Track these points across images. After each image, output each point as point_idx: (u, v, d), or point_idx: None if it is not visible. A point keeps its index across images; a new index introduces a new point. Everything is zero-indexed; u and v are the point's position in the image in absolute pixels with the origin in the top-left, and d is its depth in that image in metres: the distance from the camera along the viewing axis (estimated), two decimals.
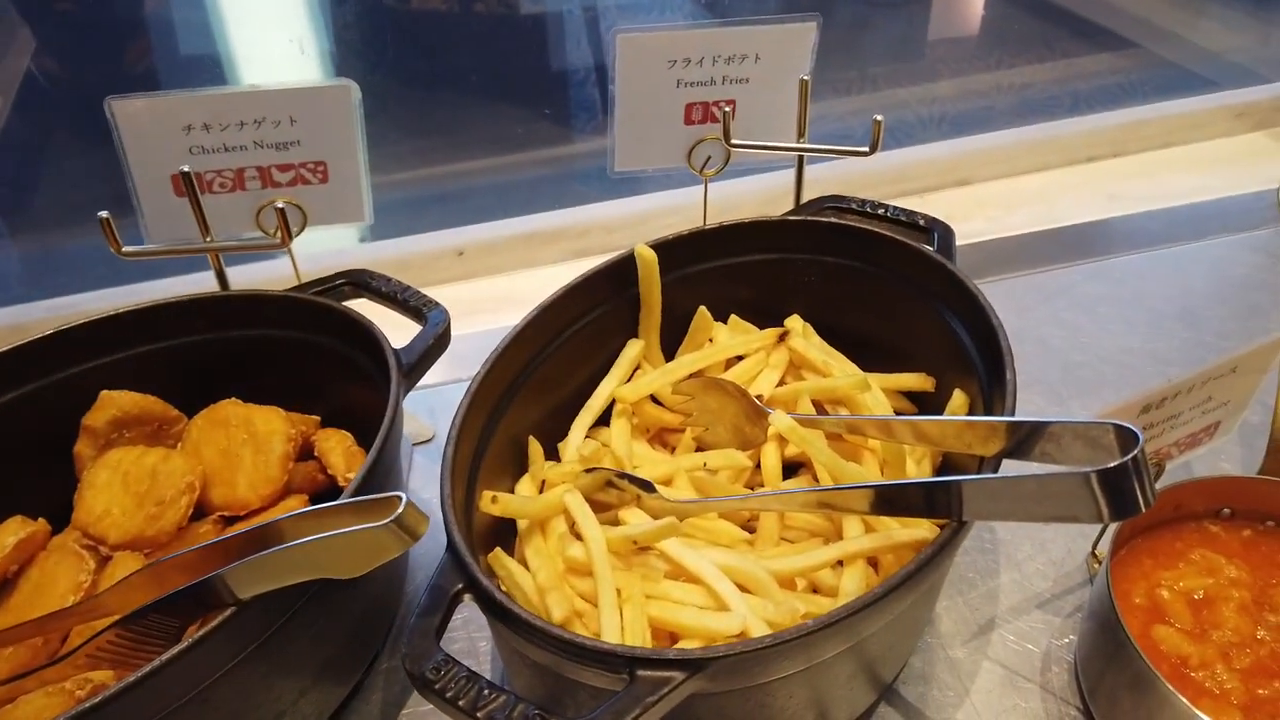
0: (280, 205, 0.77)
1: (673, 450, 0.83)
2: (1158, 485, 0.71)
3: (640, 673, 0.49)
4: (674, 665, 0.49)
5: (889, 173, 1.31)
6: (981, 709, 0.69)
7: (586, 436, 0.80)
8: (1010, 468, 0.58)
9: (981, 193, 1.31)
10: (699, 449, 0.80)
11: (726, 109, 0.90)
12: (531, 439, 0.75)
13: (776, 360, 0.85)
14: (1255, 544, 0.72)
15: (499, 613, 0.52)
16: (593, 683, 0.52)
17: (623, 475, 0.69)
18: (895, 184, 1.31)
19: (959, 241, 1.19)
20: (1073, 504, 0.52)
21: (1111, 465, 0.50)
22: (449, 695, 0.48)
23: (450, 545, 0.56)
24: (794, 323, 0.87)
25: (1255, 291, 1.09)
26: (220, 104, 0.82)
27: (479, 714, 0.47)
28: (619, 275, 0.81)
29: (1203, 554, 0.71)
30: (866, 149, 0.88)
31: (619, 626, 0.61)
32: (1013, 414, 0.64)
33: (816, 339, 0.86)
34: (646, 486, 0.68)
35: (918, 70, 1.67)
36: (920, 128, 1.52)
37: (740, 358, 0.85)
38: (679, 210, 1.21)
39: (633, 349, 0.84)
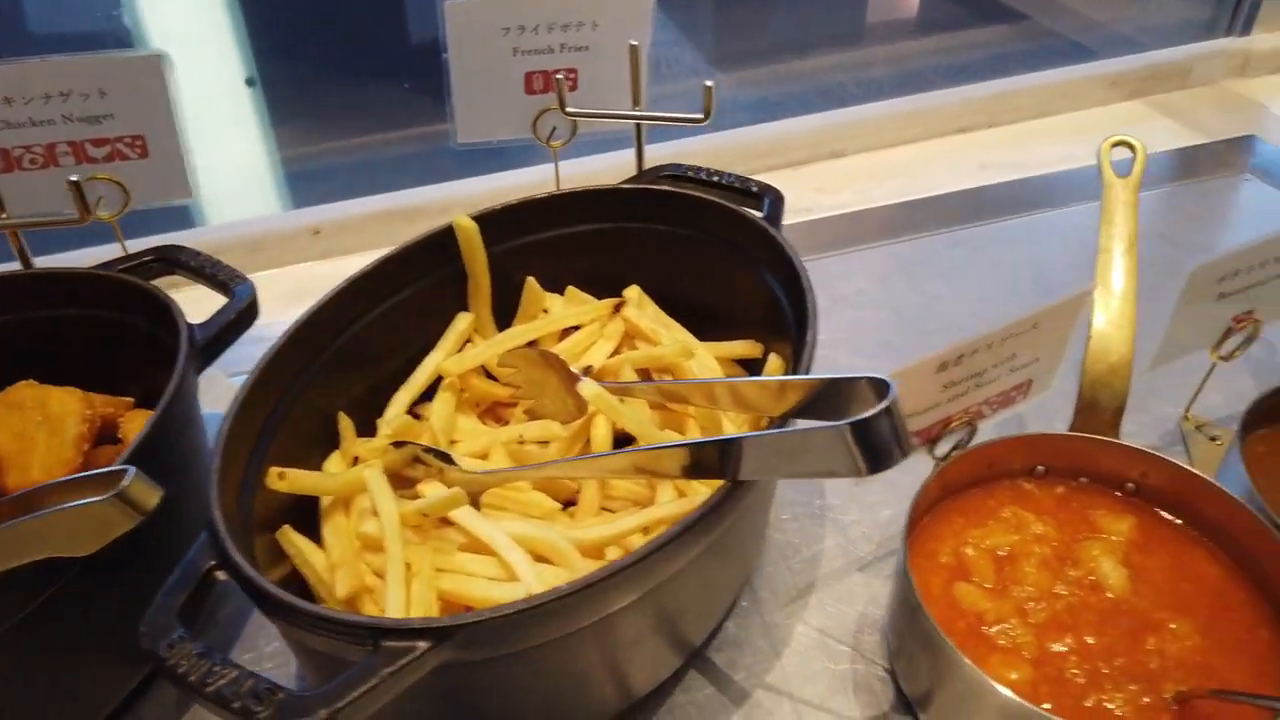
0: (75, 179, 0.74)
1: (506, 424, 0.82)
2: (971, 444, 0.72)
3: (384, 643, 0.48)
4: (417, 635, 0.48)
5: (761, 145, 1.30)
6: (791, 672, 0.69)
7: (416, 413, 0.79)
8: None
9: (853, 164, 1.31)
10: (532, 421, 0.79)
11: (559, 76, 0.88)
12: (342, 415, 0.73)
13: (611, 331, 0.84)
14: (1067, 500, 0.73)
15: (247, 589, 0.51)
16: (352, 658, 0.51)
17: (428, 450, 0.68)
18: (766, 157, 1.30)
19: (830, 213, 1.20)
20: (831, 458, 0.52)
21: (862, 416, 0.50)
22: (179, 671, 0.46)
23: (209, 522, 0.54)
24: (631, 293, 0.86)
25: None
26: (22, 75, 0.79)
27: (207, 689, 0.46)
28: (443, 247, 0.80)
29: (1014, 511, 0.72)
30: (701, 115, 0.87)
31: (404, 601, 0.60)
32: (807, 373, 0.64)
33: (652, 309, 0.86)
34: (447, 459, 0.67)
35: (805, 43, 1.67)
36: (806, 99, 1.52)
37: (577, 328, 0.85)
38: (544, 185, 1.19)
39: (461, 322, 0.83)
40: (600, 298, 0.86)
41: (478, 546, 0.64)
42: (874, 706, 0.67)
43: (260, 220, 1.13)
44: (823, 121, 1.32)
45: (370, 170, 1.33)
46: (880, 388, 0.53)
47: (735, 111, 1.47)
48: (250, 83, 1.59)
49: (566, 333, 0.85)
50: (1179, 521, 0.70)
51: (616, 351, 0.84)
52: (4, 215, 0.78)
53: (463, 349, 0.82)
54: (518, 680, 0.57)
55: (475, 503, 0.67)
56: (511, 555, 0.62)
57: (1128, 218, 0.76)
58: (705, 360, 0.80)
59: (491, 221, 0.81)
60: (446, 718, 0.60)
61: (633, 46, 0.86)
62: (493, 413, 0.84)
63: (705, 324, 0.85)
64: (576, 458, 0.71)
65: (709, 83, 0.85)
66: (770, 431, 0.54)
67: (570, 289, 0.87)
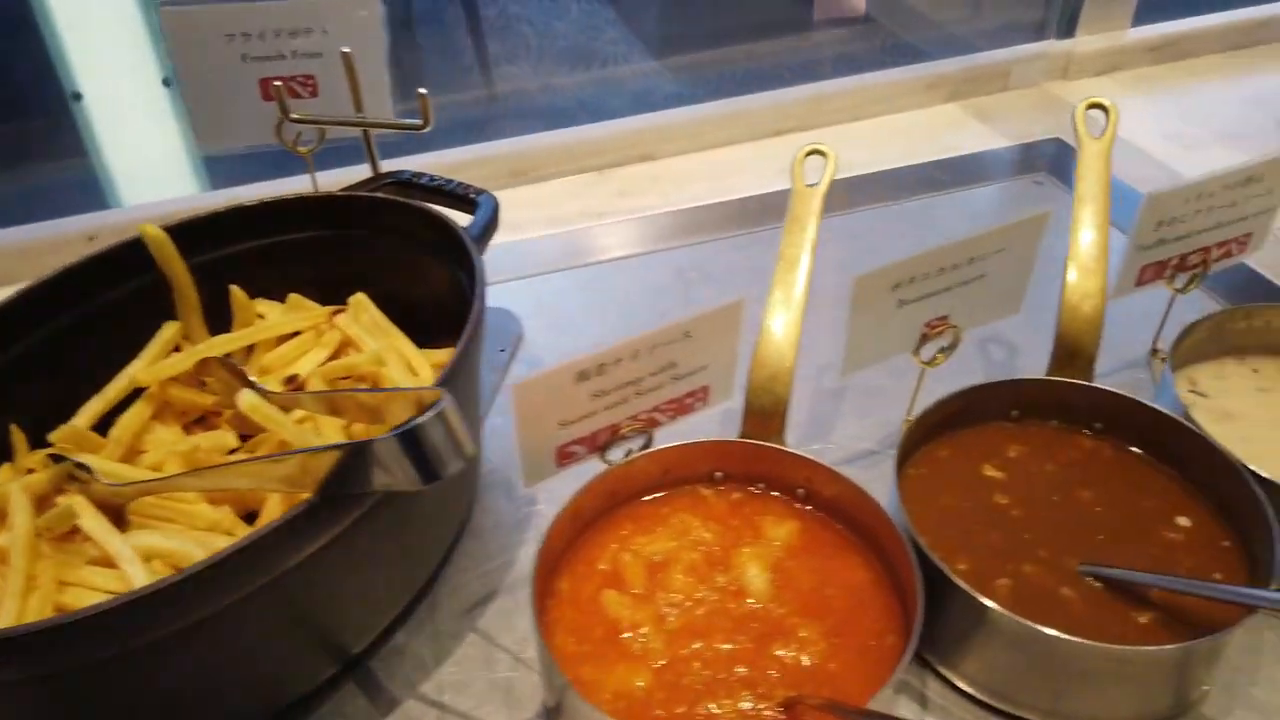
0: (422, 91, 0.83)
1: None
2: (648, 450, 0.72)
3: None
4: None
5: (576, 148, 1.31)
6: (447, 682, 0.69)
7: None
8: None
9: (661, 168, 1.31)
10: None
11: (277, 84, 0.88)
12: (13, 427, 0.73)
13: (328, 340, 0.84)
14: (740, 506, 0.74)
15: None
16: None
17: (76, 463, 0.68)
18: (578, 160, 1.30)
19: (636, 215, 1.20)
20: (391, 469, 0.52)
21: (407, 426, 0.51)
22: None
23: None
24: (355, 299, 0.86)
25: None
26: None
27: None
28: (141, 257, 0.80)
29: (682, 518, 0.73)
30: (420, 123, 0.87)
31: (18, 612, 0.60)
32: (451, 380, 0.64)
33: (370, 316, 0.85)
34: (86, 470, 0.67)
35: (649, 45, 1.67)
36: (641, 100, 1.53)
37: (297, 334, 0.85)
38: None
39: (167, 331, 0.82)
40: (329, 304, 0.87)
41: (108, 559, 0.64)
42: (521, 714, 0.67)
43: (30, 228, 1.12)
44: (634, 124, 1.33)
45: None
46: (431, 400, 0.53)
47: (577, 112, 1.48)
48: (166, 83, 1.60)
49: (283, 340, 0.85)
50: (840, 528, 0.72)
51: (335, 357, 0.84)
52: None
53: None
54: (138, 684, 0.58)
55: (123, 514, 0.67)
56: (131, 567, 0.62)
57: (813, 225, 0.77)
58: (419, 367, 0.81)
59: (197, 229, 0.81)
60: None
61: (345, 54, 0.86)
62: (208, 423, 0.84)
63: (430, 329, 0.85)
64: (194, 471, 0.70)
65: (423, 90, 0.85)
66: (332, 445, 0.54)
67: (292, 296, 0.87)
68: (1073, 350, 0.77)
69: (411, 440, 0.51)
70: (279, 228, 0.84)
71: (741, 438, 0.74)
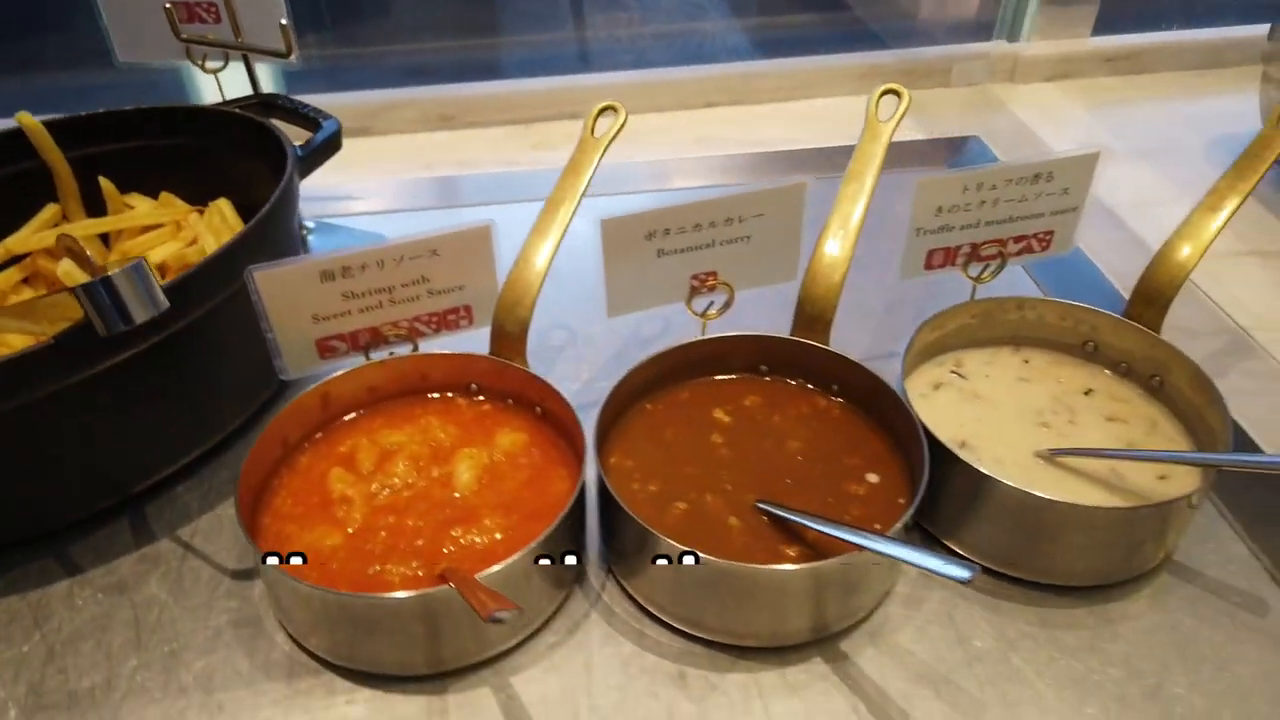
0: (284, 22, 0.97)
1: None
2: (400, 355, 0.81)
3: None
4: None
5: (506, 99, 1.39)
6: (201, 529, 0.80)
7: None
8: None
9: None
10: None
11: (168, 6, 1.00)
12: None
13: (185, 234, 0.96)
14: (485, 416, 0.83)
15: None
16: None
17: None
18: (509, 110, 1.39)
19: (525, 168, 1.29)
20: (100, 311, 0.63)
21: (101, 278, 0.62)
22: None
23: None
24: (216, 203, 0.98)
25: None
26: None
27: None
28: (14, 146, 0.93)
29: (429, 419, 0.82)
30: (285, 50, 0.97)
31: None
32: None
33: (228, 218, 0.96)
34: None
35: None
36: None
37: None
38: None
39: (46, 212, 0.95)
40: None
41: None
42: (246, 561, 0.78)
43: None
44: (566, 83, 1.40)
45: None
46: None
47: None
48: None
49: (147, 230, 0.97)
50: (562, 444, 0.80)
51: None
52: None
53: None
54: None
55: None
56: None
57: (587, 174, 0.84)
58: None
59: (77, 126, 0.94)
60: None
61: None
62: None
63: None
64: None
65: (284, 22, 0.95)
66: (54, 291, 0.65)
67: (164, 195, 0.99)
68: (813, 315, 0.82)
69: (107, 285, 0.62)
70: (149, 133, 0.96)
71: (491, 355, 0.82)
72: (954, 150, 1.33)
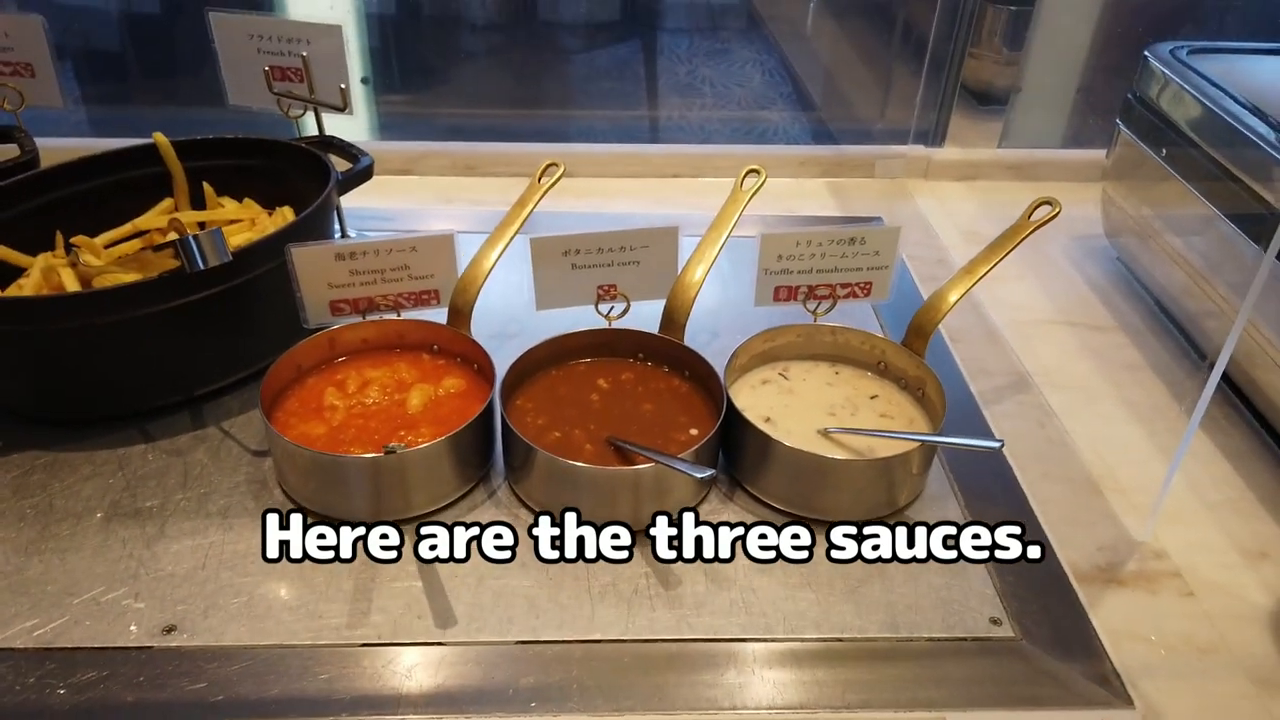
0: (343, 86, 1.32)
1: None
2: (385, 318, 1.18)
3: None
4: None
5: (515, 157, 1.78)
6: (239, 422, 1.17)
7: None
8: None
9: (573, 184, 1.76)
10: None
11: (265, 69, 1.40)
12: (57, 231, 1.27)
13: (258, 228, 1.34)
14: (439, 367, 1.18)
15: None
16: None
17: (70, 251, 1.21)
18: (517, 166, 1.78)
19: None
20: (188, 256, 1.01)
21: (185, 237, 0.99)
22: None
23: None
24: (281, 209, 1.37)
25: None
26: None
27: None
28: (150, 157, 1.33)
29: (400, 365, 1.17)
30: (343, 106, 1.37)
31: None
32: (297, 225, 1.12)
33: (290, 218, 1.35)
34: (75, 254, 1.19)
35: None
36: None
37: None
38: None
39: (164, 203, 1.35)
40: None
41: None
42: (263, 444, 1.13)
43: None
44: (562, 149, 1.79)
45: None
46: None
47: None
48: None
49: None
50: (483, 385, 1.14)
51: None
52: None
53: None
54: (69, 360, 1.08)
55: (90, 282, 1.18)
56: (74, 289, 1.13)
57: (529, 207, 1.21)
58: None
59: (194, 145, 1.34)
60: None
61: (303, 57, 1.37)
62: None
63: None
64: (116, 260, 1.21)
65: (343, 85, 1.35)
66: (161, 245, 1.02)
67: (246, 200, 1.38)
68: (673, 320, 1.17)
69: (195, 238, 0.99)
70: (242, 155, 1.36)
71: (448, 325, 1.18)
72: (858, 224, 1.67)
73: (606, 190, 1.77)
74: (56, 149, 1.36)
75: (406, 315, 1.19)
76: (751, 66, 2.30)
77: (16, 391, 1.14)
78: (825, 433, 1.10)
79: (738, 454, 1.10)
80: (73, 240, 1.24)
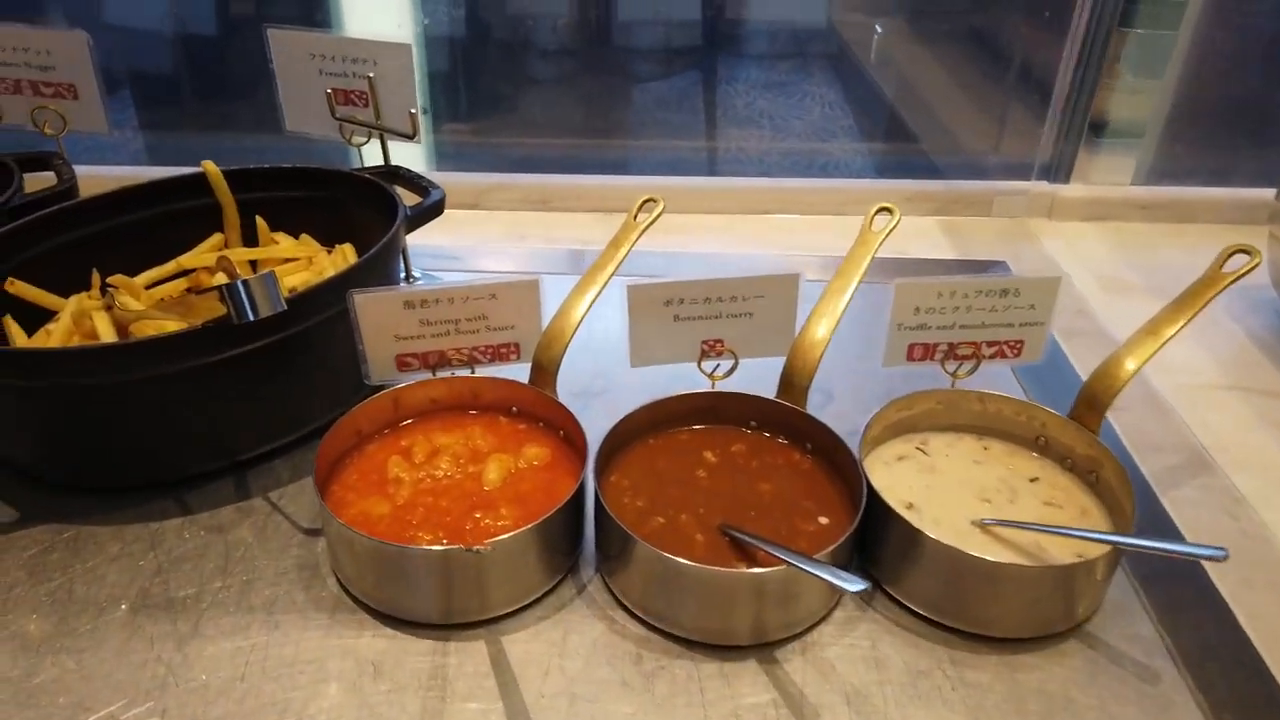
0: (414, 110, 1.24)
1: None
2: (457, 375, 1.02)
3: None
4: None
5: (593, 191, 1.63)
6: (288, 493, 1.01)
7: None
8: None
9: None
10: None
11: (328, 91, 1.26)
12: (94, 270, 1.13)
13: (316, 268, 1.20)
14: (519, 432, 1.01)
15: None
16: None
17: (106, 294, 1.07)
18: (594, 200, 1.62)
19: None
20: (235, 304, 0.86)
21: (225, 283, 0.84)
22: None
23: None
24: (342, 247, 1.22)
25: None
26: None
27: None
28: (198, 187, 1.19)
29: (475, 429, 1.01)
30: (410, 132, 1.22)
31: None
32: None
33: (349, 259, 1.20)
34: (112, 298, 1.05)
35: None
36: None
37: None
38: None
39: (214, 238, 1.21)
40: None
41: None
42: (316, 521, 0.97)
43: None
44: (642, 182, 1.63)
45: None
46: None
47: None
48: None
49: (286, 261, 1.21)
50: (575, 458, 0.97)
51: None
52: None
53: None
54: (107, 413, 0.93)
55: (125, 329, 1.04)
56: (109, 339, 0.99)
57: (625, 249, 1.04)
58: None
59: (247, 176, 1.20)
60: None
61: (369, 78, 1.23)
62: None
63: None
64: (155, 304, 1.06)
65: (413, 110, 1.20)
66: (207, 288, 0.88)
67: (304, 236, 1.24)
68: (794, 383, 0.99)
69: (245, 285, 0.84)
70: (299, 186, 1.22)
71: (530, 384, 1.01)
72: (980, 269, 1.49)
73: (688, 227, 1.60)
74: (97, 178, 1.23)
75: (481, 372, 1.03)
76: (840, 94, 2.14)
77: (39, 455, 0.99)
78: (981, 524, 0.92)
79: (875, 547, 0.92)
80: (109, 280, 1.10)
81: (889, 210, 1.06)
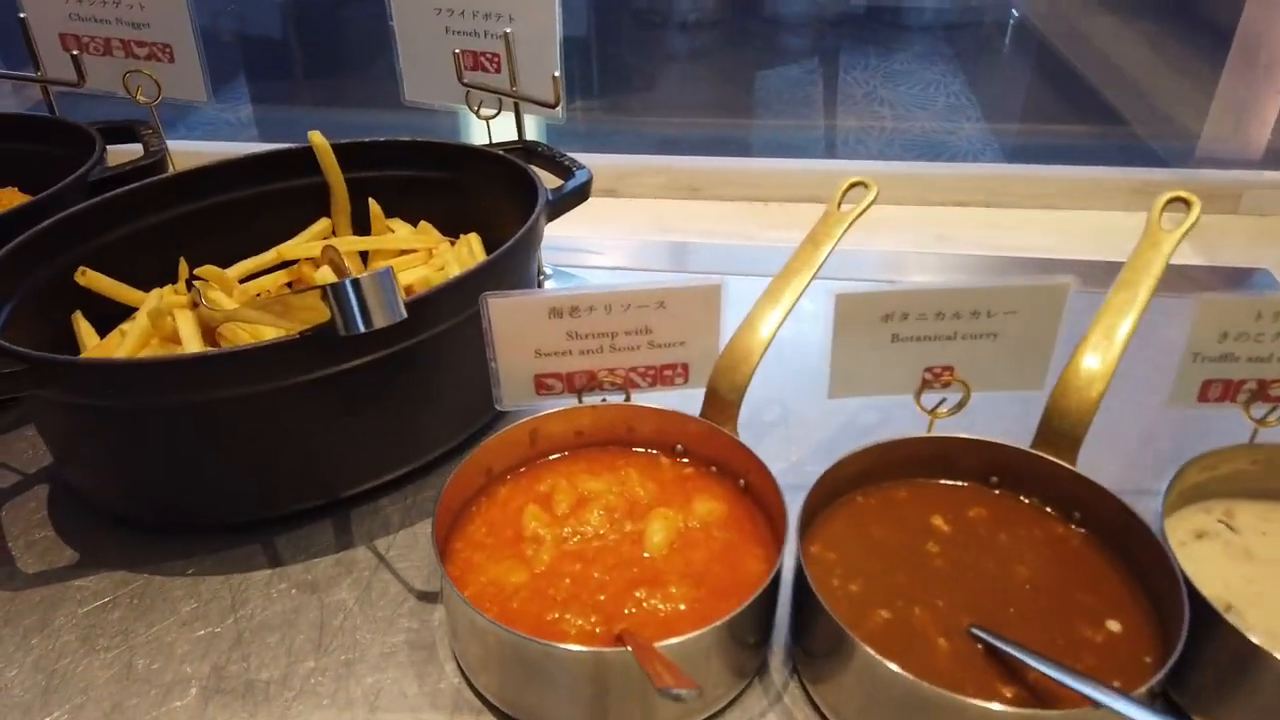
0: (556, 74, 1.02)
1: None
2: (611, 402, 0.80)
3: None
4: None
5: (750, 176, 1.40)
6: (398, 544, 0.81)
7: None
8: None
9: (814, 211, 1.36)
10: None
11: (456, 51, 1.06)
12: (181, 260, 0.96)
13: (435, 261, 1.00)
14: (687, 479, 0.79)
15: None
16: None
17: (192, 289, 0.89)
18: (751, 187, 1.39)
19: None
20: (343, 310, 0.66)
21: (336, 282, 0.64)
22: None
23: None
24: (467, 236, 1.02)
25: None
26: None
27: None
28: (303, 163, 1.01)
29: (629, 472, 0.79)
30: (553, 101, 1.01)
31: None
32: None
33: (474, 251, 1.00)
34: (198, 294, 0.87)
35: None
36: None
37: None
38: None
39: (320, 224, 1.03)
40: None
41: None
42: (436, 580, 0.77)
43: None
44: (809, 166, 1.39)
45: None
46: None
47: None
48: None
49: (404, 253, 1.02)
50: (761, 521, 0.75)
51: None
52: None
53: None
54: (185, 433, 0.75)
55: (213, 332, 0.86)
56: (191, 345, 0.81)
57: (827, 246, 0.81)
58: None
59: (359, 151, 1.01)
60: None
61: (506, 34, 1.02)
62: None
63: None
64: (248, 304, 0.87)
65: (556, 74, 0.99)
66: (307, 288, 0.68)
67: (423, 223, 1.04)
68: (1059, 430, 0.74)
69: (355, 286, 0.64)
70: (420, 164, 1.02)
71: (702, 417, 0.79)
72: (1237, 281, 1.20)
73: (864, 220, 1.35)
74: (192, 153, 1.06)
75: (638, 399, 0.81)
76: (1021, 70, 1.85)
77: (105, 485, 0.82)
78: None
79: (1180, 664, 0.66)
80: (197, 271, 0.93)
81: (1185, 201, 0.80)
